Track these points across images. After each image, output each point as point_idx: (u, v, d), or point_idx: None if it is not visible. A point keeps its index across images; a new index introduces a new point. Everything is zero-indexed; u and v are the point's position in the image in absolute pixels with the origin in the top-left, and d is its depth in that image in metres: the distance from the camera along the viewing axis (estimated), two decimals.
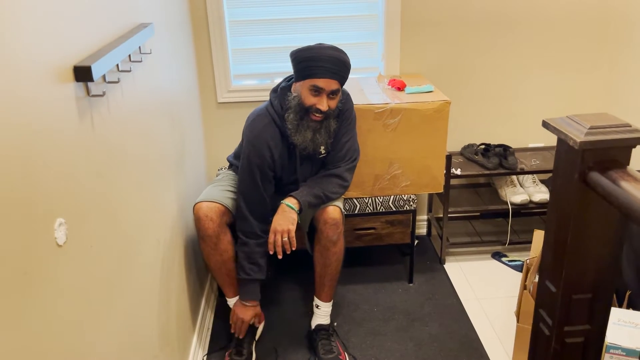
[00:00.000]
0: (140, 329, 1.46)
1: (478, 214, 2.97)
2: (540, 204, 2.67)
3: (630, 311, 1.67)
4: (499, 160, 2.61)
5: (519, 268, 2.70)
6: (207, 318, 2.37)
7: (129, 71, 1.37)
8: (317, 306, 2.19)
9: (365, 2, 2.62)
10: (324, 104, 1.90)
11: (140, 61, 1.46)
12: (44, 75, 0.95)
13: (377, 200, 2.42)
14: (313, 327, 2.21)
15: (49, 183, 0.95)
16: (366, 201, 2.42)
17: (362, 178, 2.36)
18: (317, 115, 1.92)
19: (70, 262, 1.03)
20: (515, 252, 2.85)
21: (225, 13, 2.55)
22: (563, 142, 1.18)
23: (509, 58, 2.73)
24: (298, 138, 1.95)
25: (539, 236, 2.09)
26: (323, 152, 2.04)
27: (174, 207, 1.92)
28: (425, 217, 3.03)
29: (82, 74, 1.06)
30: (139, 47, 1.52)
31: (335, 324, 2.32)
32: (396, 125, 2.28)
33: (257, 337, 2.23)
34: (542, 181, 2.86)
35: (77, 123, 1.08)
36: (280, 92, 2.00)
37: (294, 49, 1.93)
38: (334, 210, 2.02)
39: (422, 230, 3.04)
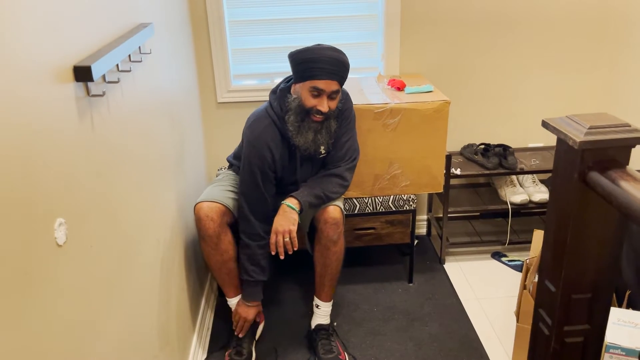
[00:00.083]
0: (140, 328, 1.46)
1: (478, 213, 2.97)
2: (540, 204, 2.67)
3: (630, 311, 1.67)
4: (498, 160, 2.61)
5: (518, 268, 2.70)
6: (207, 318, 2.37)
7: (129, 71, 1.37)
8: (317, 306, 2.19)
9: (365, 2, 2.62)
10: (324, 106, 1.90)
11: (140, 61, 1.46)
12: (44, 75, 0.95)
13: (376, 200, 2.42)
14: (313, 327, 2.21)
15: (49, 183, 0.95)
16: (366, 201, 2.42)
17: (362, 178, 2.36)
18: (318, 116, 1.92)
19: (70, 262, 1.03)
20: (515, 252, 2.85)
21: (225, 13, 2.55)
22: (562, 142, 1.18)
23: (508, 58, 2.73)
24: (300, 140, 1.95)
25: (538, 236, 2.09)
26: (323, 152, 2.04)
27: (173, 207, 1.92)
28: (425, 217, 3.04)
29: (82, 74, 1.06)
30: (139, 47, 1.52)
31: (335, 323, 2.32)
32: (396, 125, 2.28)
33: (257, 337, 2.23)
34: (542, 181, 2.86)
35: (77, 123, 1.09)
36: (280, 93, 2.00)
37: (292, 50, 1.93)
38: (334, 210, 2.02)
39: (421, 230, 3.04)
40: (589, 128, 1.12)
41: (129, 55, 1.42)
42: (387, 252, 2.85)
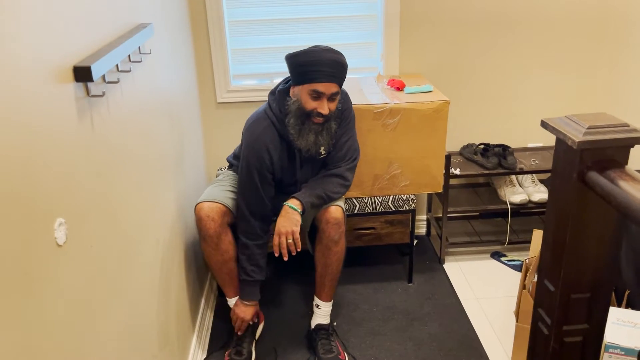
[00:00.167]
0: (140, 328, 1.46)
1: (477, 213, 2.97)
2: (540, 204, 2.67)
3: (629, 310, 1.67)
4: (498, 160, 2.62)
5: (518, 268, 2.71)
6: (206, 318, 2.37)
7: (129, 71, 1.37)
8: (317, 306, 2.19)
9: (365, 2, 2.62)
10: (325, 108, 1.90)
11: (140, 61, 1.46)
12: (44, 76, 0.95)
13: (376, 200, 2.42)
14: (313, 326, 2.21)
15: (49, 183, 0.96)
16: (365, 201, 2.42)
17: (362, 178, 2.36)
18: (319, 118, 1.92)
19: (70, 262, 1.03)
20: (514, 252, 2.85)
21: (224, 13, 2.55)
22: (562, 142, 1.18)
23: (508, 58, 2.73)
24: (301, 142, 1.95)
25: (538, 236, 2.09)
26: (323, 152, 2.04)
27: (173, 207, 1.93)
28: (424, 217, 3.04)
29: (82, 74, 1.06)
30: (139, 48, 1.52)
31: (334, 323, 2.32)
32: (395, 125, 2.28)
33: (257, 337, 2.23)
34: (542, 181, 2.86)
35: (77, 123, 1.09)
36: (279, 94, 2.00)
37: (289, 52, 1.92)
38: (336, 210, 2.02)
39: (421, 230, 3.04)
40: (588, 128, 1.12)
41: (129, 56, 1.43)
42: (387, 252, 2.85)
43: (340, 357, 2.10)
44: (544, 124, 1.23)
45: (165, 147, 1.84)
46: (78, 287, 1.06)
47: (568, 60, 2.76)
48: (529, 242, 2.58)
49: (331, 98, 1.91)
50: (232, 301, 2.16)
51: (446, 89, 2.75)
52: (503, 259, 2.79)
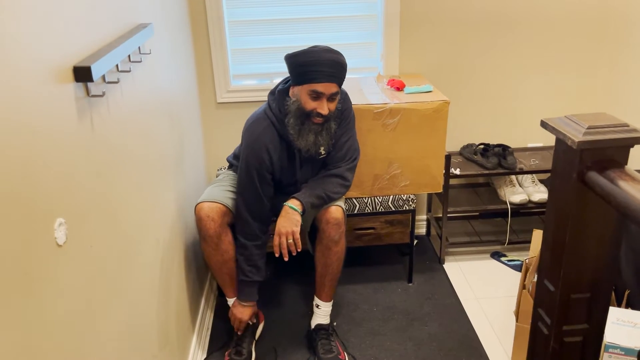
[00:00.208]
0: (140, 328, 1.46)
1: (477, 213, 2.97)
2: (539, 204, 2.67)
3: (629, 310, 1.67)
4: (498, 160, 2.62)
5: (518, 268, 2.71)
6: (206, 318, 2.37)
7: (129, 71, 1.37)
8: (317, 306, 2.19)
9: (365, 2, 2.62)
10: (324, 108, 1.90)
11: (140, 61, 1.46)
12: (44, 76, 0.95)
13: (376, 200, 2.42)
14: (313, 326, 2.21)
15: (49, 183, 0.96)
16: (365, 201, 2.42)
17: (362, 178, 2.36)
18: (319, 118, 1.92)
19: (70, 262, 1.03)
20: (514, 252, 2.85)
21: (224, 13, 2.55)
22: (561, 142, 1.18)
23: (508, 58, 2.74)
24: (301, 142, 1.95)
25: (538, 236, 2.09)
26: (323, 152, 2.04)
27: (173, 207, 1.93)
28: (424, 217, 3.04)
29: (82, 74, 1.06)
30: (139, 48, 1.52)
31: (334, 323, 2.32)
32: (395, 125, 2.28)
33: (256, 337, 2.23)
34: (541, 181, 2.86)
35: (77, 123, 1.09)
36: (278, 95, 2.00)
37: (288, 53, 1.92)
38: (336, 210, 2.02)
39: (421, 230, 3.05)
40: (588, 128, 1.12)
41: (129, 56, 1.43)
42: (387, 252, 2.85)
43: (340, 357, 2.10)
44: (543, 124, 1.23)
45: (165, 147, 1.84)
46: (78, 287, 1.06)
47: (568, 60, 2.76)
48: (529, 242, 2.58)
49: (331, 98, 1.91)
50: (232, 301, 2.16)
51: (446, 89, 2.75)
52: (503, 259, 2.79)
